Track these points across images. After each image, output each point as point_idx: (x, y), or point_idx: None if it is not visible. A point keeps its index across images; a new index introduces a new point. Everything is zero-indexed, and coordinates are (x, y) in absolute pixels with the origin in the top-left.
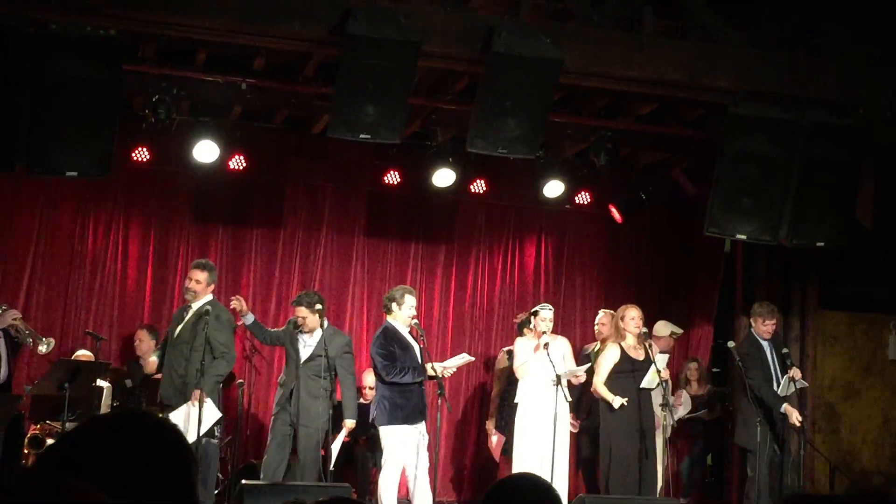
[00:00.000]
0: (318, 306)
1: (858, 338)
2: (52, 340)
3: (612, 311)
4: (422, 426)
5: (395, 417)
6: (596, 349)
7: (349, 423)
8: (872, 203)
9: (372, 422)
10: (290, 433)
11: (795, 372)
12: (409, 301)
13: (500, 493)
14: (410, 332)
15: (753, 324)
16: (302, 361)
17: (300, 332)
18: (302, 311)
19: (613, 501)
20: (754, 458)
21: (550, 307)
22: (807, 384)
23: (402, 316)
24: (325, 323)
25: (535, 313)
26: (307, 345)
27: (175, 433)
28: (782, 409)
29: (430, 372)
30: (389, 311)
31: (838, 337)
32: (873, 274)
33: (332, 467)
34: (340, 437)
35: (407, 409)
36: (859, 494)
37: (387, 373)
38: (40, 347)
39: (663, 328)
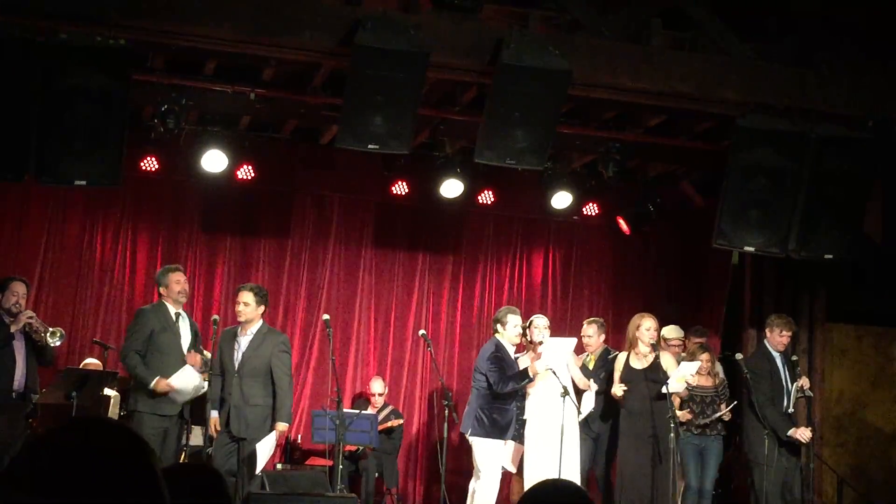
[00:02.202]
0: (264, 300)
1: (866, 351)
2: (61, 330)
3: (598, 321)
4: (502, 442)
5: (492, 431)
6: (587, 359)
7: (281, 427)
8: (881, 216)
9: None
10: (232, 448)
11: (805, 381)
12: (513, 320)
13: (538, 499)
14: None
15: (768, 334)
16: (237, 366)
17: (235, 336)
18: (246, 296)
19: None
20: (760, 471)
21: (544, 316)
22: (812, 395)
23: (509, 335)
24: (262, 322)
25: (530, 323)
26: (241, 346)
27: (133, 437)
28: (788, 434)
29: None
30: (496, 331)
31: (846, 350)
32: (882, 287)
33: (258, 471)
34: (269, 441)
35: (502, 424)
36: None
37: (501, 385)
38: (50, 341)
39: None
